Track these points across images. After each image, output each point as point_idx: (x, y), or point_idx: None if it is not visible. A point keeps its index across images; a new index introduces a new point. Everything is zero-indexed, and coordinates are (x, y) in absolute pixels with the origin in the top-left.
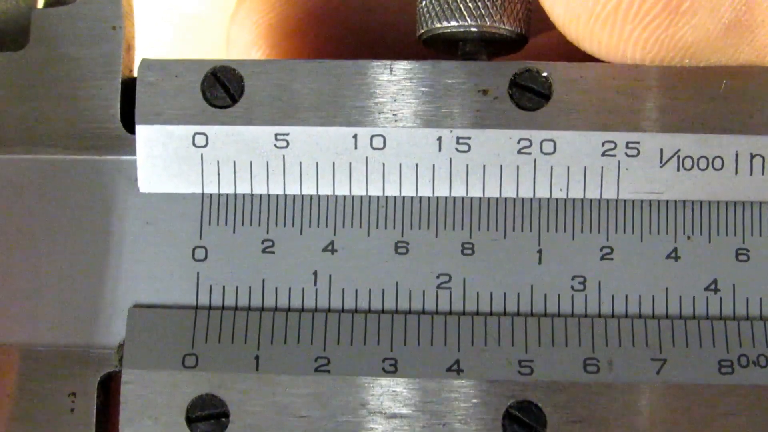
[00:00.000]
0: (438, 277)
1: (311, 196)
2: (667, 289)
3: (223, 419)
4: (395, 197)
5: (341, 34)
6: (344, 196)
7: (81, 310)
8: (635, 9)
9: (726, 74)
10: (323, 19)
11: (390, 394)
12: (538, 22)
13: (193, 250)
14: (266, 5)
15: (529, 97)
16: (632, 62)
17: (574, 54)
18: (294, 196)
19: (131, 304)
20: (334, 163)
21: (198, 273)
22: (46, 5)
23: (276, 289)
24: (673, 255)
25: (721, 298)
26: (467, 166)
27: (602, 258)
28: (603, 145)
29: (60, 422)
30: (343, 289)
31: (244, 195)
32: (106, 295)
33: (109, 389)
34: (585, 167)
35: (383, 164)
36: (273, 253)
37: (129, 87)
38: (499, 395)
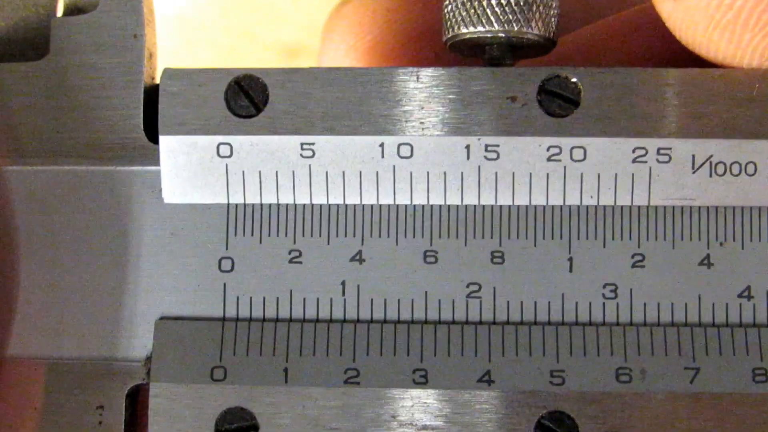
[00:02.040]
0: (468, 286)
1: (338, 206)
2: (699, 296)
3: None
4: (423, 206)
5: (436, 52)
6: (371, 206)
7: (107, 323)
8: (755, 18)
9: (759, 78)
10: (418, 39)
11: (421, 406)
12: (564, 22)
13: (220, 261)
14: (361, 29)
15: (558, 103)
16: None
17: (600, 55)
18: (321, 205)
19: (158, 317)
20: (360, 172)
21: (225, 284)
22: (66, 13)
23: (304, 299)
24: (706, 262)
25: (754, 305)
26: (496, 173)
27: (634, 265)
28: (634, 151)
29: None
30: (372, 300)
31: (270, 205)
32: (131, 308)
33: (136, 402)
34: (616, 174)
35: (411, 173)
36: (300, 263)
37: (151, 95)
38: (531, 406)
